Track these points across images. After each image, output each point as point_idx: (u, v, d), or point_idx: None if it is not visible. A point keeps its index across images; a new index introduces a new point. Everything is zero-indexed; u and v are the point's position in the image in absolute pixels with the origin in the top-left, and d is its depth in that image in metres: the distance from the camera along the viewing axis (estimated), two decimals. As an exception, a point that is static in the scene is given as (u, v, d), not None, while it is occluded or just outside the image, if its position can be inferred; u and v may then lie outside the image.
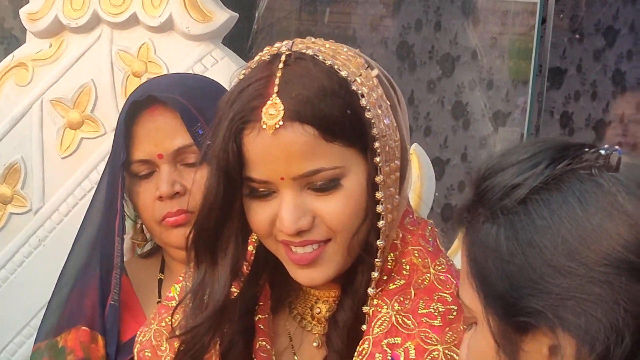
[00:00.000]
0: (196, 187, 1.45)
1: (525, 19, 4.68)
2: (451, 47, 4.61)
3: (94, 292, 1.76)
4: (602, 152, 0.99)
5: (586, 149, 1.01)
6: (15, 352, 2.15)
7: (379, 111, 1.25)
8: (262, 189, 1.25)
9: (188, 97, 1.72)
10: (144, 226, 1.82)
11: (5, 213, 2.17)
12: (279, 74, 1.22)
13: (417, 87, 4.59)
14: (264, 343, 1.37)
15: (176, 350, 1.37)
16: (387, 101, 1.28)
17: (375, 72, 1.27)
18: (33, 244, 2.14)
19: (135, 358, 1.47)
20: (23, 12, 2.13)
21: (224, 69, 1.98)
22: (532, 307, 0.95)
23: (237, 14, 2.07)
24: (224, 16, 2.01)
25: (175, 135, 1.70)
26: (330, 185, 1.24)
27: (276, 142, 1.21)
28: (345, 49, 1.29)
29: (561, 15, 5.18)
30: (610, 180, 0.96)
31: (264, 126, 1.20)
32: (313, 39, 1.31)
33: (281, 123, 1.19)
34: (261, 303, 1.39)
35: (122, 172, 1.72)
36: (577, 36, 5.25)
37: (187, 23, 1.98)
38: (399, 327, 1.25)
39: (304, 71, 1.24)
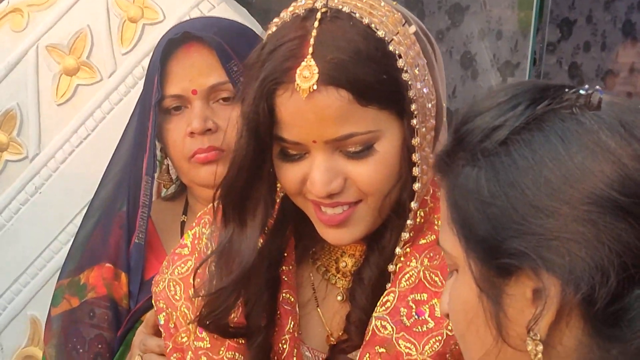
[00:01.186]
0: (231, 125, 1.46)
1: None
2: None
3: (118, 230, 1.85)
4: (582, 92, 1.00)
5: (566, 89, 1.02)
6: (12, 300, 2.23)
7: (416, 71, 1.27)
8: (293, 151, 1.29)
9: (222, 35, 1.79)
10: (170, 167, 1.90)
11: (1, 160, 2.24)
12: (314, 34, 1.23)
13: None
14: (287, 295, 1.41)
15: (198, 309, 1.40)
16: (424, 58, 1.30)
17: (412, 28, 1.29)
18: (29, 191, 2.22)
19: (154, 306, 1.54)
20: None
21: (221, 15, 2.04)
22: (515, 248, 0.96)
23: None
24: None
25: (210, 72, 1.78)
26: (363, 150, 1.27)
27: (310, 105, 1.23)
28: (382, 4, 1.30)
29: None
30: (592, 119, 0.96)
31: (298, 89, 1.23)
32: None
33: (315, 87, 1.21)
34: (285, 254, 1.43)
35: (156, 110, 1.80)
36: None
37: (185, -37, 2.12)
38: (426, 283, 1.27)
39: (340, 32, 1.25)
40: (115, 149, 1.91)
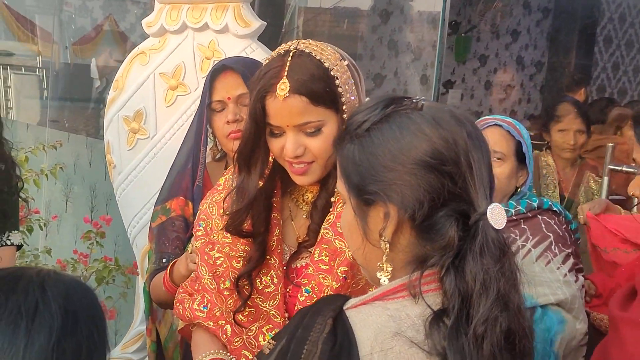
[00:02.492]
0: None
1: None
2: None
3: (188, 178, 2.38)
4: (415, 100, 1.29)
5: (406, 99, 1.29)
6: (139, 221, 2.98)
7: (347, 87, 1.64)
8: (276, 131, 1.65)
9: (244, 65, 2.30)
10: (217, 142, 2.43)
11: (134, 139, 2.94)
12: (288, 64, 1.60)
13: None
14: (276, 214, 1.79)
15: (225, 221, 1.76)
16: (352, 79, 1.66)
17: (345, 62, 1.66)
18: (150, 155, 2.92)
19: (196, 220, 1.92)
20: (143, 21, 2.94)
21: (258, 56, 2.68)
22: (372, 189, 1.24)
23: (265, 22, 2.80)
24: (257, 23, 2.79)
25: (238, 87, 2.27)
26: (315, 131, 1.64)
27: (284, 105, 1.60)
28: (329, 48, 1.66)
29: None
30: (417, 116, 1.26)
31: (278, 96, 1.59)
32: (310, 41, 1.68)
33: (287, 94, 1.59)
34: (275, 192, 1.79)
35: (207, 109, 2.31)
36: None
37: (236, 28, 2.77)
38: None
39: (303, 63, 1.61)
40: (187, 131, 2.46)
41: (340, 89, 1.63)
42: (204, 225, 1.86)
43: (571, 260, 2.26)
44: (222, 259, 1.79)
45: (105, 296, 3.67)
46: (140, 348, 3.05)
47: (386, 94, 1.33)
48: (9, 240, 2.28)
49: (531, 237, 2.28)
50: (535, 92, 8.13)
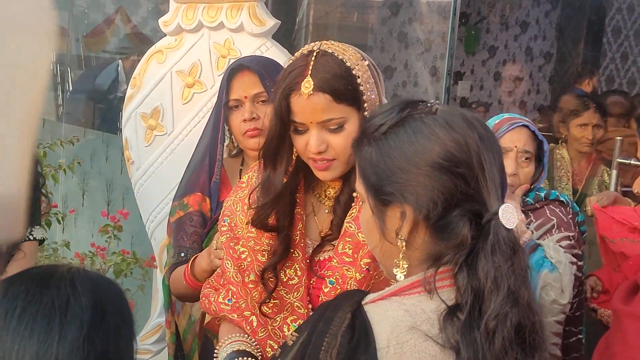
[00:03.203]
0: (266, 116, 1.94)
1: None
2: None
3: (205, 174, 2.41)
4: (429, 104, 1.33)
5: (421, 103, 1.34)
6: (157, 215, 3.01)
7: (367, 86, 1.67)
8: (300, 128, 1.69)
9: (260, 65, 2.33)
10: (233, 140, 2.44)
11: (152, 135, 2.98)
12: (312, 64, 1.65)
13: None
14: (299, 209, 1.82)
15: (250, 215, 1.80)
16: (372, 79, 1.70)
17: (366, 62, 1.70)
18: (168, 151, 2.96)
19: (221, 216, 1.94)
20: (160, 20, 2.97)
21: (272, 54, 2.73)
22: (389, 190, 1.29)
23: (279, 21, 2.82)
24: (272, 22, 2.81)
25: (254, 85, 2.29)
26: (338, 128, 1.67)
27: (308, 102, 1.64)
28: (351, 49, 1.71)
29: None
30: (430, 119, 1.29)
31: (302, 93, 1.64)
32: (332, 42, 1.71)
33: (311, 92, 1.63)
34: (298, 187, 1.83)
35: (224, 107, 2.34)
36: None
37: (251, 26, 2.80)
38: None
39: (326, 62, 1.65)
40: (204, 129, 2.48)
41: (361, 87, 1.67)
42: (228, 221, 1.90)
43: (568, 242, 2.31)
44: (246, 253, 1.83)
45: (124, 288, 3.70)
46: (158, 339, 3.09)
47: (402, 98, 1.36)
48: (32, 235, 2.33)
49: (534, 221, 2.35)
50: (544, 82, 8.13)
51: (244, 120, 2.31)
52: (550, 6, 8.15)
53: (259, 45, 2.80)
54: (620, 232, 2.83)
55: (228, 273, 1.87)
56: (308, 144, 1.69)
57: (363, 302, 1.30)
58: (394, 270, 1.31)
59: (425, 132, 1.28)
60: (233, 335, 1.81)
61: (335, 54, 1.67)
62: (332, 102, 1.65)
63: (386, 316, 1.25)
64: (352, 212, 1.75)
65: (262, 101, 2.31)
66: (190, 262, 2.26)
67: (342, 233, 1.76)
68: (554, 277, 2.14)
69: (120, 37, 6.01)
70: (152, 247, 3.12)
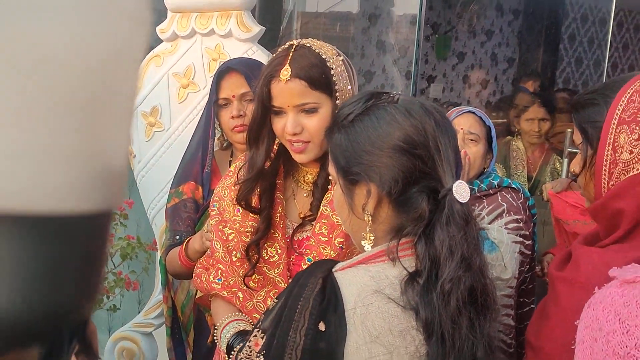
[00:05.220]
0: (250, 112, 1.91)
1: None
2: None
3: (198, 165, 2.43)
4: (392, 95, 1.35)
5: (385, 94, 1.35)
6: (157, 203, 3.02)
7: (340, 77, 1.69)
8: (279, 112, 1.70)
9: (247, 67, 2.35)
10: (224, 134, 2.47)
11: (151, 131, 2.98)
12: (291, 54, 1.67)
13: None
14: (279, 193, 1.83)
15: (234, 195, 1.82)
16: (346, 72, 1.72)
17: (341, 57, 1.73)
18: (166, 146, 2.97)
19: (211, 202, 1.93)
20: (157, 28, 2.94)
21: (258, 57, 2.70)
22: (356, 171, 1.32)
23: (265, 27, 2.82)
24: (257, 29, 2.80)
25: (241, 86, 2.31)
26: (312, 111, 1.68)
27: (286, 87, 1.66)
28: (327, 45, 1.73)
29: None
30: (392, 108, 1.32)
31: (281, 79, 1.66)
32: (311, 39, 1.74)
33: (289, 78, 1.65)
34: (278, 174, 1.84)
35: (214, 106, 2.36)
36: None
37: (239, 33, 2.79)
38: None
39: (303, 53, 1.68)
40: (197, 125, 2.50)
41: (334, 78, 1.69)
42: (217, 206, 1.90)
43: (516, 224, 2.33)
44: (233, 234, 1.84)
45: (130, 270, 3.73)
46: (160, 314, 3.09)
47: (368, 90, 1.38)
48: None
49: (487, 207, 2.37)
50: (508, 85, 8.16)
51: (232, 117, 2.33)
52: (513, 16, 8.18)
53: (246, 50, 2.81)
54: (573, 215, 2.85)
55: (217, 253, 1.88)
56: (285, 126, 1.70)
57: (333, 270, 1.32)
58: (362, 242, 1.33)
59: (388, 119, 1.29)
60: (231, 314, 1.81)
61: (313, 48, 1.70)
62: (307, 88, 1.67)
63: (353, 281, 1.26)
64: (328, 196, 1.76)
65: (249, 100, 2.33)
66: (185, 244, 2.26)
67: (318, 215, 1.77)
68: (492, 257, 2.16)
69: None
70: (154, 232, 3.13)
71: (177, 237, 2.37)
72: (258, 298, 1.82)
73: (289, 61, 1.67)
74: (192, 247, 2.19)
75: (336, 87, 1.69)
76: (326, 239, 1.73)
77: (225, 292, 1.84)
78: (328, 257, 1.72)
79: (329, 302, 1.25)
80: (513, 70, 8.17)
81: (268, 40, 2.97)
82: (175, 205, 2.43)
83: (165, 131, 2.98)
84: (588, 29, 8.07)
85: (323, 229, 1.74)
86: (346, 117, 1.33)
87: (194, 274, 1.98)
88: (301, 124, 1.69)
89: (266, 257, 1.81)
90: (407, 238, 1.28)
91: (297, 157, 1.75)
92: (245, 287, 1.81)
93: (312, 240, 1.76)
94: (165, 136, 2.99)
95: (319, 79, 1.67)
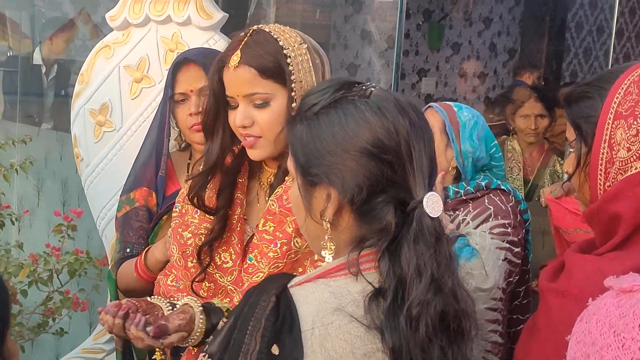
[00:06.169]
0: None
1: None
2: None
3: (152, 168, 2.45)
4: (364, 87, 1.33)
5: (357, 85, 1.35)
6: (107, 213, 3.03)
7: (299, 67, 1.74)
8: (232, 103, 1.77)
9: (206, 58, 2.29)
10: (181, 133, 2.49)
11: (101, 131, 3.00)
12: (245, 40, 1.75)
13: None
14: (239, 194, 1.90)
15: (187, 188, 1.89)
16: (309, 62, 1.76)
17: (305, 45, 1.78)
18: (117, 147, 2.98)
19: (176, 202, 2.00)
20: (107, 15, 2.99)
21: (221, 47, 2.69)
22: (315, 172, 1.32)
23: (227, 14, 2.85)
24: (219, 15, 2.84)
25: (200, 79, 2.31)
26: (263, 104, 1.74)
27: (235, 74, 1.74)
28: (292, 32, 1.79)
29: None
30: (363, 103, 1.31)
31: (230, 66, 1.74)
32: (275, 25, 1.80)
33: (237, 65, 1.73)
34: (242, 173, 1.92)
35: (170, 102, 2.38)
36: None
37: (199, 20, 2.82)
38: None
39: (258, 39, 1.75)
40: (151, 124, 2.52)
41: (291, 67, 1.73)
42: (180, 207, 1.96)
43: (502, 229, 2.35)
44: (192, 239, 1.88)
45: (78, 289, 3.71)
46: (111, 338, 3.08)
47: (340, 78, 1.39)
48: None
49: (472, 211, 2.39)
50: (509, 78, 8.20)
51: (190, 114, 2.34)
52: (514, 2, 8.24)
53: (207, 39, 2.83)
54: (574, 223, 2.83)
55: (173, 257, 1.94)
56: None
57: (289, 285, 1.32)
58: (322, 252, 1.33)
59: (356, 116, 1.29)
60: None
61: (272, 34, 1.75)
62: (258, 77, 1.73)
63: (311, 298, 1.27)
64: (278, 191, 1.81)
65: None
66: (144, 253, 2.28)
67: (265, 211, 1.81)
68: (472, 265, 2.17)
69: (80, 38, 5.96)
70: (105, 246, 3.13)
71: (128, 250, 2.39)
72: None
73: (241, 47, 1.73)
74: (152, 257, 2.20)
75: (292, 77, 1.73)
76: (270, 237, 1.77)
77: (179, 295, 1.89)
78: (273, 258, 1.75)
79: (284, 321, 1.25)
80: (514, 62, 8.21)
81: (233, 29, 2.79)
82: (127, 214, 2.45)
83: (117, 131, 2.98)
84: (597, 17, 8.13)
85: (268, 226, 1.77)
86: (310, 108, 1.34)
87: (155, 282, 2.02)
88: (251, 116, 1.75)
89: (219, 263, 1.84)
90: (370, 249, 1.28)
91: (250, 154, 1.80)
92: (193, 294, 1.84)
93: (256, 238, 1.79)
94: (116, 137, 2.99)
95: (272, 67, 1.72)
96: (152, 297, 1.86)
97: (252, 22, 4.86)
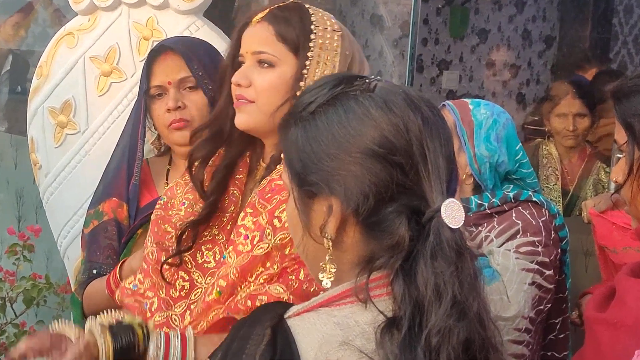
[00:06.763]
0: (192, 103, 2.31)
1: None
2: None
3: (124, 176, 2.48)
4: (367, 80, 1.35)
5: (358, 78, 1.36)
6: (70, 230, 3.02)
7: (322, 46, 1.90)
8: (242, 59, 1.93)
9: (186, 46, 2.41)
10: (159, 135, 2.53)
11: (62, 134, 2.98)
12: (280, 4, 1.94)
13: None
14: (235, 189, 2.01)
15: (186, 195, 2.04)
16: (339, 49, 1.91)
17: (339, 32, 1.94)
18: (82, 154, 2.97)
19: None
20: None
21: (203, 34, 2.77)
22: (313, 180, 1.31)
23: None
24: None
25: (179, 70, 2.38)
26: (268, 65, 1.89)
27: (253, 30, 1.92)
28: (332, 18, 1.97)
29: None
30: (366, 98, 1.31)
31: (252, 22, 1.92)
32: (317, 8, 1.97)
33: (259, 20, 1.90)
34: (241, 169, 2.03)
35: (145, 97, 2.42)
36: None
37: (178, 2, 2.83)
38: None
39: (291, 7, 1.94)
40: (125, 124, 2.55)
41: (311, 43, 1.88)
42: (165, 200, 2.06)
43: (531, 248, 2.33)
44: (172, 234, 1.97)
45: (36, 320, 3.70)
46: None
47: (338, 73, 1.49)
48: None
49: (497, 226, 2.38)
50: (546, 71, 8.18)
51: (168, 109, 2.37)
52: (551, -19, 8.22)
53: (188, 25, 2.85)
54: (622, 241, 2.82)
55: (146, 249, 2.02)
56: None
57: (285, 316, 1.32)
58: (320, 275, 1.32)
59: (359, 112, 1.30)
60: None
61: (308, 9, 1.93)
62: (273, 37, 1.88)
63: (313, 330, 1.26)
64: (263, 183, 1.90)
65: (190, 87, 2.39)
66: (119, 265, 2.31)
67: (246, 204, 1.90)
68: (491, 289, 2.14)
69: (39, 24, 5.98)
70: (67, 269, 3.13)
71: (95, 271, 2.42)
72: (176, 310, 1.90)
73: (271, 8, 1.91)
74: (129, 268, 2.23)
75: (308, 53, 1.87)
76: (245, 233, 1.83)
77: (131, 300, 1.98)
78: (241, 252, 1.80)
79: (282, 359, 1.24)
80: (552, 52, 8.20)
81: (219, 14, 3.04)
82: (94, 230, 2.48)
83: (81, 134, 2.98)
84: (650, -2, 8.12)
85: (247, 221, 1.84)
86: (306, 107, 1.34)
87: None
88: (251, 77, 1.89)
89: (200, 261, 1.92)
90: (380, 272, 1.27)
91: (237, 119, 1.91)
92: (163, 291, 1.91)
93: (233, 234, 1.86)
94: (81, 140, 2.99)
95: (290, 32, 1.88)
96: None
97: (241, 5, 4.84)
